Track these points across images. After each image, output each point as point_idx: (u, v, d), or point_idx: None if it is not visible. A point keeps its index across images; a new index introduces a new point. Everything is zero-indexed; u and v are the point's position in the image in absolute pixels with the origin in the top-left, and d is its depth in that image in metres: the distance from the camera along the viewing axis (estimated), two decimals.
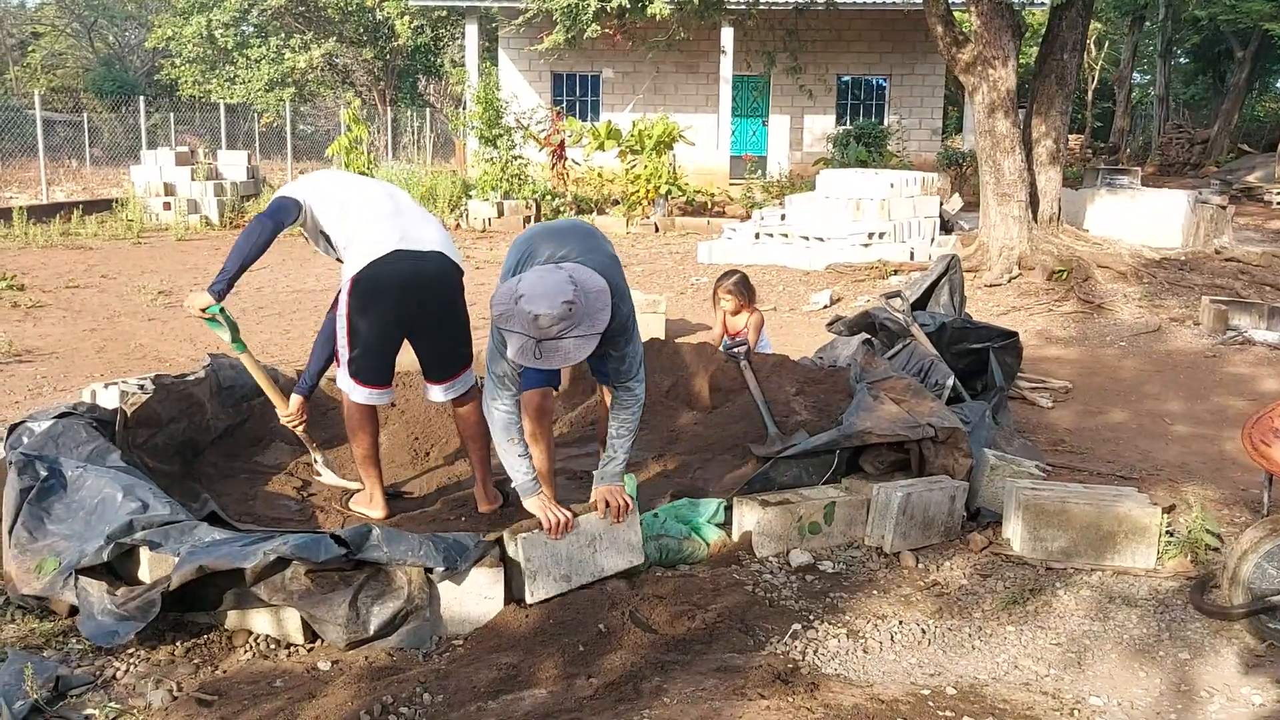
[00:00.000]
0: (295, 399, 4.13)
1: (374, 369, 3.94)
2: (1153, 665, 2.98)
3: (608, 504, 3.38)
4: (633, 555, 3.42)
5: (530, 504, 3.35)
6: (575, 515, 3.33)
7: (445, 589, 3.06)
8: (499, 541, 3.15)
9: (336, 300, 3.93)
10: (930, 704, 2.71)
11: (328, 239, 3.97)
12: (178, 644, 3.01)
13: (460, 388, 4.08)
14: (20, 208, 13.87)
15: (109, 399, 4.10)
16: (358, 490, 4.17)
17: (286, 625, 3.04)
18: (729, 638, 3.02)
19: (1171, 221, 11.76)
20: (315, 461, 4.36)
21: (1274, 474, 3.40)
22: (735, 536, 3.72)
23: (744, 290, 6.05)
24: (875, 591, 3.41)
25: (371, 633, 3.02)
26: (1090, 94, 32.47)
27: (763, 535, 3.59)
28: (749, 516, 3.66)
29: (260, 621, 3.07)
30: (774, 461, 3.91)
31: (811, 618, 3.20)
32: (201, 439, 4.39)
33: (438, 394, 4.10)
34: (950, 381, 4.54)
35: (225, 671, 2.90)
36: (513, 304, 3.06)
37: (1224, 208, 12.22)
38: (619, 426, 3.49)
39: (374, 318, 3.85)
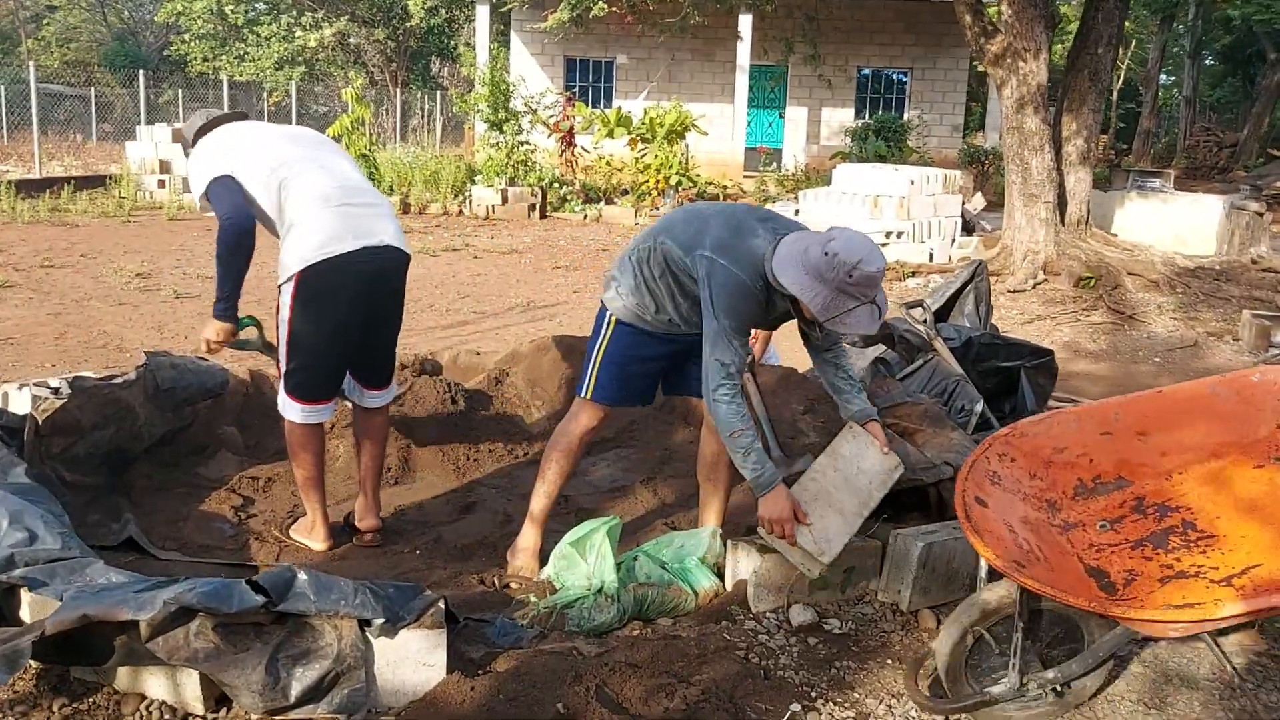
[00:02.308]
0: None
1: (318, 382, 3.42)
2: None
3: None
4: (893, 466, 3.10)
5: (765, 501, 2.93)
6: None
7: (377, 653, 2.56)
8: (445, 597, 2.64)
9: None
10: None
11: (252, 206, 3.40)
12: (55, 708, 2.52)
13: (392, 393, 3.72)
14: (9, 182, 13.42)
15: (21, 403, 3.61)
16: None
17: (185, 691, 2.54)
18: None
19: (1205, 228, 11.20)
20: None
21: (986, 559, 2.40)
22: (729, 584, 3.22)
23: None
24: (889, 660, 2.90)
25: (293, 700, 2.51)
26: (1115, 94, 31.78)
27: (760, 587, 3.08)
28: (744, 563, 3.15)
29: (155, 684, 2.57)
30: None
31: (814, 695, 2.70)
32: (132, 448, 3.90)
33: (374, 400, 3.64)
34: (979, 408, 4.02)
35: None
36: (845, 278, 2.73)
37: (1261, 215, 11.63)
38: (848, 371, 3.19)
39: (324, 323, 3.33)
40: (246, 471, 4.10)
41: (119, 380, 3.85)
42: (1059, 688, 2.57)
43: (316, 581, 2.57)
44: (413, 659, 2.57)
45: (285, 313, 3.32)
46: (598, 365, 3.27)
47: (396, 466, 4.25)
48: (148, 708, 2.54)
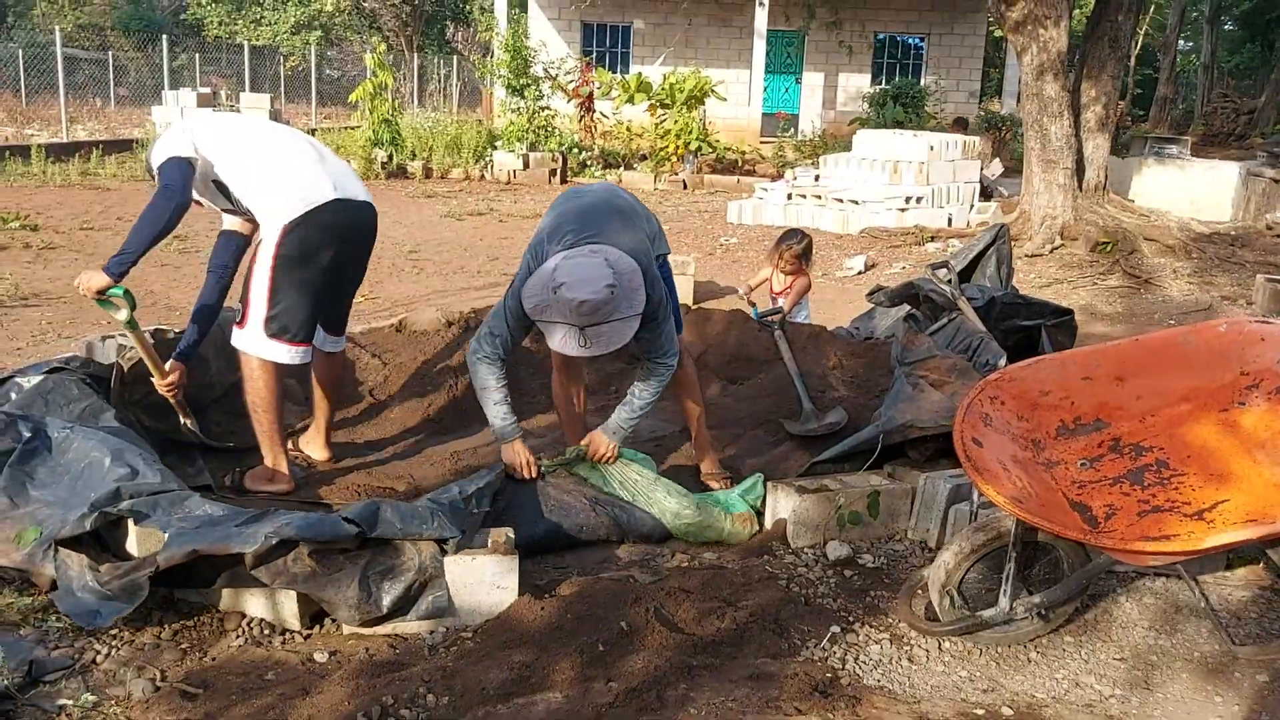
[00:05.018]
0: (173, 364, 3.83)
1: (304, 325, 3.70)
2: (1228, 688, 2.71)
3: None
4: None
5: (505, 450, 3.45)
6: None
7: (455, 576, 2.81)
8: (511, 529, 2.90)
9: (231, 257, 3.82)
10: None
11: (221, 188, 3.67)
12: (165, 625, 2.79)
13: (344, 338, 4.14)
14: (39, 146, 13.66)
15: (106, 353, 3.86)
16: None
17: (283, 609, 2.80)
18: (761, 640, 2.76)
19: (1221, 194, 11.34)
20: (186, 425, 3.96)
21: (983, 492, 2.61)
22: (769, 523, 3.46)
23: (809, 257, 5.85)
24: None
25: (385, 609, 2.79)
26: (1133, 60, 31.61)
27: (799, 525, 3.33)
28: (784, 503, 3.39)
29: (255, 604, 2.83)
30: (810, 465, 3.67)
31: (851, 619, 2.94)
32: (203, 397, 4.15)
33: (335, 345, 4.03)
34: (1002, 362, 4.23)
35: (214, 659, 2.67)
36: (551, 294, 3.02)
37: (1277, 181, 11.74)
38: (640, 390, 3.45)
39: (311, 270, 3.64)
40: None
41: None
42: (1043, 611, 2.80)
43: (399, 510, 2.83)
44: (488, 582, 2.82)
45: (268, 260, 3.56)
46: None
47: (451, 417, 4.50)
48: (248, 624, 2.80)
